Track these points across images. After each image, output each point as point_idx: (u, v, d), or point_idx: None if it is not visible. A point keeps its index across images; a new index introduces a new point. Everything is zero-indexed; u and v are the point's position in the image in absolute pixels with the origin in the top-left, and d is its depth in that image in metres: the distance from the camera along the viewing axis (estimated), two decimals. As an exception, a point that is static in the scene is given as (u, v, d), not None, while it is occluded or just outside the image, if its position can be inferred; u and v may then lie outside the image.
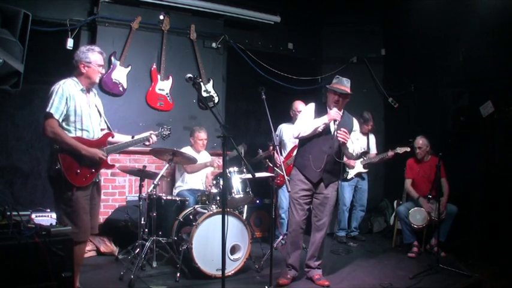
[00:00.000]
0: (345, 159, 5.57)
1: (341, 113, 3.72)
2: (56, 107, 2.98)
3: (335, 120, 3.66)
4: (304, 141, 3.89)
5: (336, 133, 3.62)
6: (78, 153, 3.01)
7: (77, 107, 3.08)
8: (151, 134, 3.52)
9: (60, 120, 3.01)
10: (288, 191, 3.71)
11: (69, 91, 3.05)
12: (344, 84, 3.81)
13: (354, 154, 3.95)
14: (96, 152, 3.09)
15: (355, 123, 4.00)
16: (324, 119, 3.70)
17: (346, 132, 3.63)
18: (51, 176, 3.05)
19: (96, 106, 3.29)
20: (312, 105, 3.96)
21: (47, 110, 2.98)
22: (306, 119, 3.85)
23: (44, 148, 4.79)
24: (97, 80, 3.25)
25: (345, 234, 5.70)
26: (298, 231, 3.82)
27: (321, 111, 3.83)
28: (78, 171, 3.03)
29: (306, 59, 6.88)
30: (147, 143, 3.53)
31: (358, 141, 4.05)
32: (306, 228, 3.92)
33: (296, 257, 3.87)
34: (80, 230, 3.01)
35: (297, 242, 3.86)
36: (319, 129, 3.73)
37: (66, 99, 3.02)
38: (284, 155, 5.16)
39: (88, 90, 3.23)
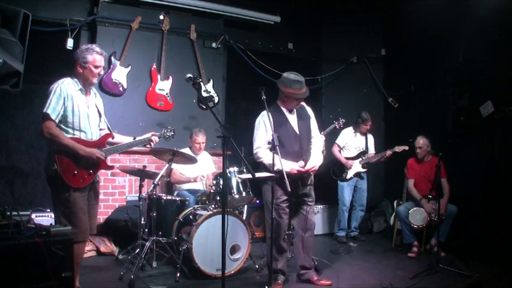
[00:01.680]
0: (342, 159, 5.62)
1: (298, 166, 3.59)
2: (53, 107, 2.96)
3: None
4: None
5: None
6: (75, 154, 2.98)
7: (74, 107, 3.04)
8: (152, 135, 3.45)
9: (57, 121, 2.99)
10: (289, 191, 3.70)
11: (67, 91, 3.02)
12: (303, 86, 3.64)
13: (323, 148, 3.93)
14: (94, 152, 3.05)
15: (309, 111, 3.90)
16: (287, 168, 3.45)
17: (311, 168, 3.64)
18: (48, 175, 3.03)
19: (96, 106, 3.25)
20: (264, 115, 3.62)
21: (44, 110, 2.96)
22: (263, 135, 3.62)
23: (44, 148, 4.75)
24: (94, 81, 3.17)
25: (344, 234, 5.70)
26: (283, 235, 3.74)
27: (277, 114, 3.67)
28: (76, 172, 3.00)
29: (306, 59, 6.88)
30: (148, 146, 3.48)
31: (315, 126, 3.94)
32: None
33: (284, 261, 3.80)
34: (79, 230, 2.99)
35: (283, 246, 3.78)
36: (293, 127, 3.67)
37: (64, 99, 3.00)
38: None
39: (87, 90, 3.20)
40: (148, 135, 3.46)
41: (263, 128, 3.64)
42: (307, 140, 3.81)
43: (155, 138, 3.46)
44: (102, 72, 3.22)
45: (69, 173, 2.98)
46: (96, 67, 3.12)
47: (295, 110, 3.80)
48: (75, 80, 3.12)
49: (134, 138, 3.43)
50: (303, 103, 3.88)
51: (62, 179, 2.94)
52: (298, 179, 3.70)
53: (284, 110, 3.76)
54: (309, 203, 3.80)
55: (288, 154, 3.59)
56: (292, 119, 3.77)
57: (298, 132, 3.73)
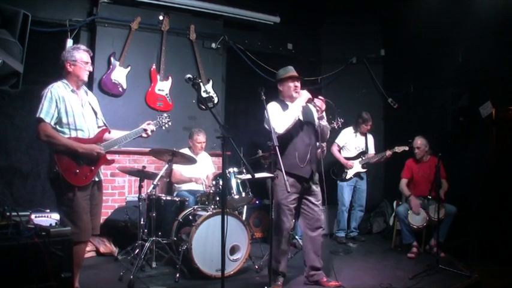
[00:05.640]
0: (342, 159, 5.62)
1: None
2: (46, 111, 2.98)
3: (311, 101, 3.64)
4: (285, 141, 3.64)
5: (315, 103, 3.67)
6: (74, 153, 3.00)
7: (67, 108, 3.06)
8: (148, 123, 3.42)
9: (53, 123, 3.01)
10: (288, 191, 3.69)
11: (58, 93, 3.04)
12: (292, 70, 3.83)
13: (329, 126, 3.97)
14: (92, 148, 3.07)
15: (313, 108, 3.90)
16: (300, 102, 3.62)
17: (322, 100, 3.69)
18: (51, 178, 3.04)
19: (90, 104, 3.26)
20: (274, 104, 3.79)
21: (37, 115, 2.98)
22: (279, 114, 3.68)
23: (43, 149, 4.75)
24: (85, 78, 3.20)
25: (344, 235, 5.70)
26: (287, 237, 3.73)
27: (283, 107, 3.74)
28: (77, 170, 3.02)
29: (305, 59, 6.87)
30: (144, 135, 3.40)
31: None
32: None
33: (286, 262, 3.78)
34: (81, 231, 3.00)
35: (287, 248, 3.77)
36: (299, 117, 3.66)
37: (56, 102, 3.02)
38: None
39: (78, 89, 3.21)
40: (143, 125, 3.42)
41: (274, 112, 3.67)
42: (317, 132, 3.79)
43: (150, 127, 3.42)
44: (91, 69, 3.24)
45: (71, 172, 2.99)
46: (85, 63, 3.16)
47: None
48: (66, 82, 3.14)
49: None
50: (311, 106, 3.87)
51: (64, 179, 2.95)
52: (312, 174, 3.74)
53: (288, 103, 3.77)
54: (316, 202, 3.78)
55: (297, 143, 3.67)
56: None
57: (302, 119, 3.73)
